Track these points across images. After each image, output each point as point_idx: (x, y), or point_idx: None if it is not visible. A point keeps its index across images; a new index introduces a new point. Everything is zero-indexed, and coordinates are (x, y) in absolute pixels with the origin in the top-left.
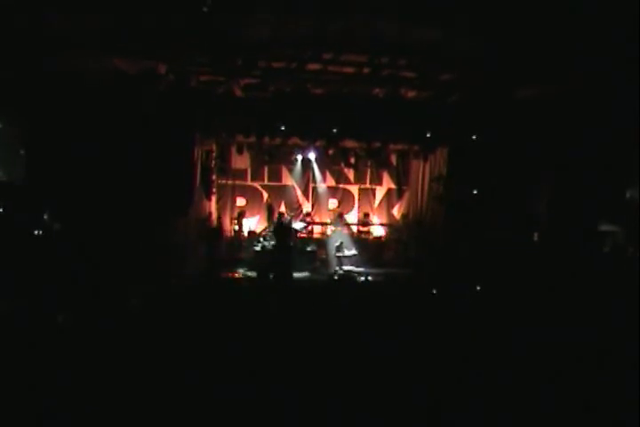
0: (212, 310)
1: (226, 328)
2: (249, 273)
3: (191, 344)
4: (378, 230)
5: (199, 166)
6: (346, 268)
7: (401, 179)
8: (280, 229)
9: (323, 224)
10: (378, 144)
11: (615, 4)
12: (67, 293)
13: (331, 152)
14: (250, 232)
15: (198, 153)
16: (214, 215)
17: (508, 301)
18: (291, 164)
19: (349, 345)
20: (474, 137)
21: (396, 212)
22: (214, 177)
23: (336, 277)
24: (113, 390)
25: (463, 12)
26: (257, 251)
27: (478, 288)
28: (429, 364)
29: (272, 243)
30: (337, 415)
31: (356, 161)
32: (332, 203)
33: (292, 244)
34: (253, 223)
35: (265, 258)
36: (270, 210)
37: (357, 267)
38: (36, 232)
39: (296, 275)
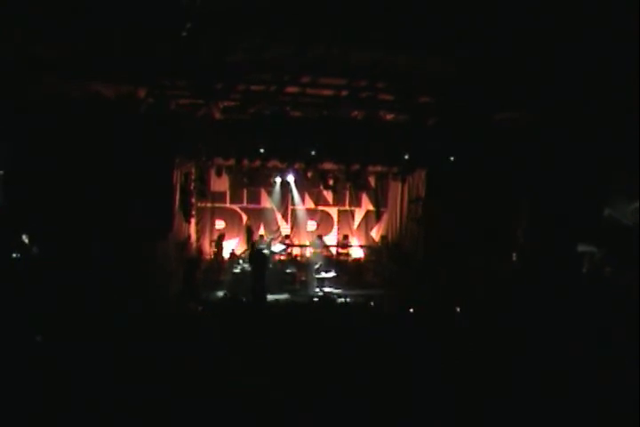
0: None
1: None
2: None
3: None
4: (357, 252)
5: (178, 189)
6: (325, 289)
7: (379, 201)
8: (256, 255)
9: (302, 246)
10: (356, 166)
11: (592, 30)
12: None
13: (309, 174)
14: (230, 254)
15: (177, 176)
16: (193, 238)
17: (487, 321)
18: (270, 186)
19: (328, 366)
20: (452, 159)
21: (375, 233)
22: (193, 200)
23: (315, 299)
24: None
25: (440, 37)
26: (235, 273)
27: (458, 309)
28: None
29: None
30: None
31: (335, 183)
32: (311, 225)
33: (270, 266)
34: (233, 246)
35: (242, 280)
36: (250, 232)
37: (337, 288)
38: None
39: (276, 297)
